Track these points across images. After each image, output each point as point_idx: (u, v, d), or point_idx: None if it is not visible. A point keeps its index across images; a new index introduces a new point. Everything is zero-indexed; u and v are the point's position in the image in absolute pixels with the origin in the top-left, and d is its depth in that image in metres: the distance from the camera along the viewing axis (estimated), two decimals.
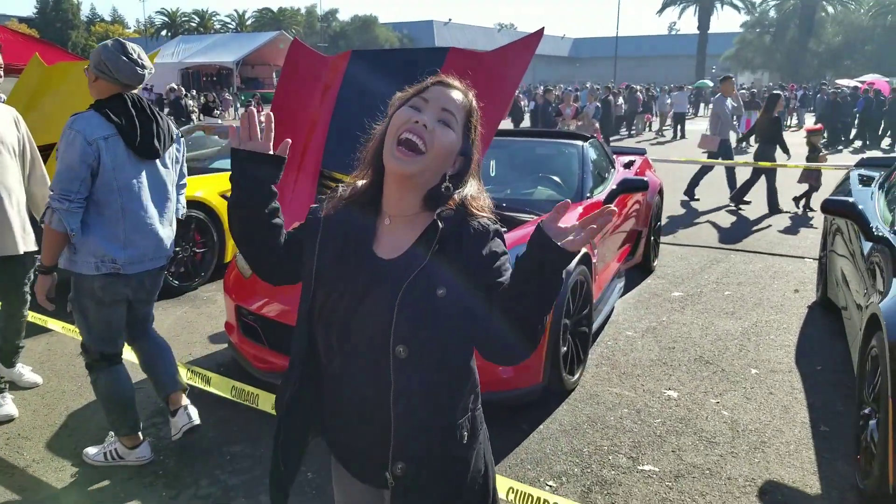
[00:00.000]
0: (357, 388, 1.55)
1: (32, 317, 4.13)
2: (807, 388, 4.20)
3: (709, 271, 6.77)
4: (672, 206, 10.16)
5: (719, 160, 10.42)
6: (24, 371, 4.19)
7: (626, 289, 6.03)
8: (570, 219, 4.62)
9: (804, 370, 4.45)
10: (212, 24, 74.18)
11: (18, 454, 3.42)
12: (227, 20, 77.02)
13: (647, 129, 25.83)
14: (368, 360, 1.52)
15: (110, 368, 3.19)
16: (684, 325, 5.26)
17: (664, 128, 24.08)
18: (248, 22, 74.14)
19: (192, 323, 5.32)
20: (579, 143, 5.66)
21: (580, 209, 4.81)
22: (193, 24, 73.19)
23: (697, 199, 10.77)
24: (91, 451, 3.36)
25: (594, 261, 4.48)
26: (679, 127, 22.73)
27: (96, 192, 2.93)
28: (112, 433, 3.33)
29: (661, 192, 6.94)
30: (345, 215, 1.59)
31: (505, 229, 4.54)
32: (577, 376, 4.14)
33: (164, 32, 71.09)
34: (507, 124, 20.23)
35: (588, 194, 5.12)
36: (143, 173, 3.06)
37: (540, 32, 3.86)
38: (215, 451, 3.44)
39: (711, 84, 41.38)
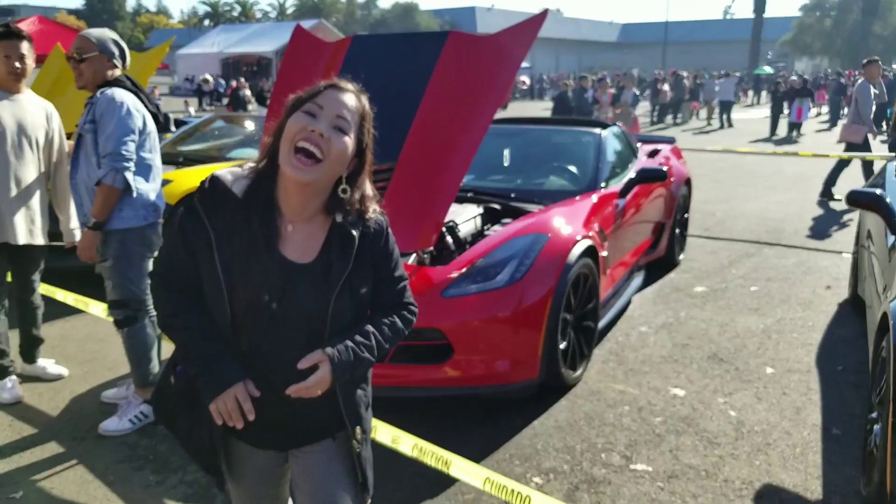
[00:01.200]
0: (284, 372, 1.59)
1: (75, 300, 4.28)
2: (824, 388, 4.02)
3: (737, 266, 6.55)
4: (706, 198, 9.88)
5: (855, 153, 9.44)
6: (48, 364, 4.18)
7: (647, 282, 5.87)
8: (583, 208, 4.51)
9: (824, 370, 4.26)
10: (253, 13, 75.12)
11: (19, 436, 3.48)
12: (269, 9, 77.88)
13: (695, 117, 25.24)
14: (297, 351, 1.59)
15: (148, 318, 3.52)
16: (703, 321, 5.09)
17: (712, 118, 23.49)
18: (289, 11, 74.79)
19: None
20: (597, 131, 5.51)
21: (594, 198, 4.68)
22: (235, 14, 74.18)
23: (838, 199, 9.58)
24: (111, 424, 3.51)
25: (603, 254, 4.36)
26: (725, 116, 22.11)
27: (140, 152, 3.34)
28: (125, 399, 3.67)
29: (688, 183, 6.73)
30: (240, 216, 1.58)
31: (509, 220, 4.38)
32: (579, 372, 4.03)
33: (206, 22, 72.26)
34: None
35: (602, 184, 4.98)
36: (156, 139, 3.54)
37: (543, 15, 3.75)
38: None
39: (772, 71, 40.18)
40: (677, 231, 6.45)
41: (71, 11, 66.61)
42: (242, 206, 1.57)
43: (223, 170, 1.63)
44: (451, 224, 4.15)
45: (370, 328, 1.64)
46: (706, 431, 3.52)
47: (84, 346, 4.62)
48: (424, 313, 3.57)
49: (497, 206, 4.59)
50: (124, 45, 3.49)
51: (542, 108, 28.56)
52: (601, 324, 4.48)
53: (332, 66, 4.18)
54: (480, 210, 4.51)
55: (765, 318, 5.16)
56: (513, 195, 4.75)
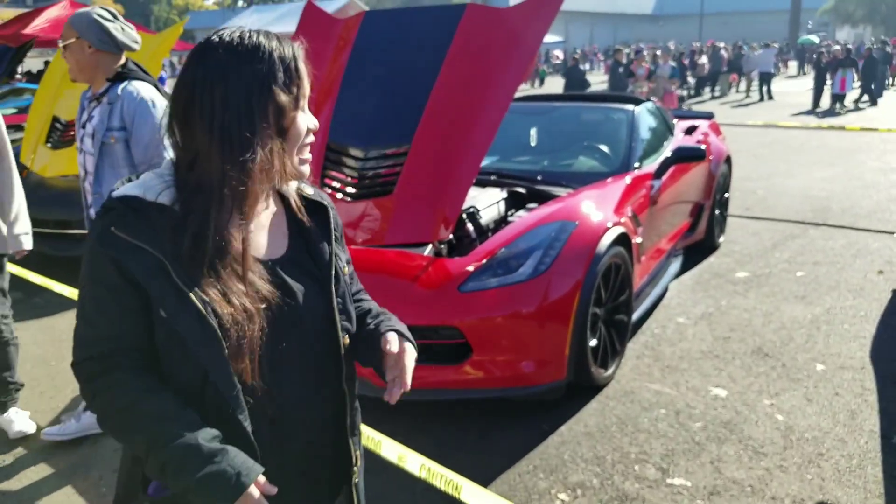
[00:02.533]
0: (302, 402, 1.33)
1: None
2: (881, 388, 3.65)
3: (781, 249, 6.14)
4: (746, 174, 9.40)
5: None
6: (17, 418, 3.37)
7: (684, 268, 5.51)
8: (615, 191, 4.17)
9: (881, 368, 3.89)
10: None
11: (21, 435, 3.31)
12: None
13: (735, 90, 24.41)
14: (311, 360, 1.34)
15: None
16: (745, 310, 4.73)
17: (751, 90, 22.69)
18: None
19: None
20: (630, 107, 5.14)
21: (628, 180, 4.34)
22: None
23: None
24: (53, 428, 3.30)
25: (636, 240, 4.02)
26: (765, 88, 21.31)
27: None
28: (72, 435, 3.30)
29: (728, 161, 6.32)
30: (161, 228, 1.19)
31: (535, 205, 4.00)
32: (611, 370, 3.72)
33: (240, 3, 72.17)
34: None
35: (636, 164, 4.63)
36: None
37: None
38: None
39: (817, 40, 38.76)
40: (717, 212, 6.06)
41: None
42: (166, 215, 1.20)
43: (129, 185, 1.24)
44: (471, 210, 3.85)
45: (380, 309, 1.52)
46: (751, 439, 3.19)
47: None
48: (440, 309, 3.33)
49: (522, 190, 4.27)
50: (113, 27, 2.86)
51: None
52: (635, 316, 4.15)
53: (344, 44, 3.89)
54: (504, 194, 4.20)
55: (812, 306, 4.78)
56: (539, 178, 4.43)
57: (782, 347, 4.14)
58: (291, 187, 1.37)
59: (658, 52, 16.07)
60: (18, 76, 7.57)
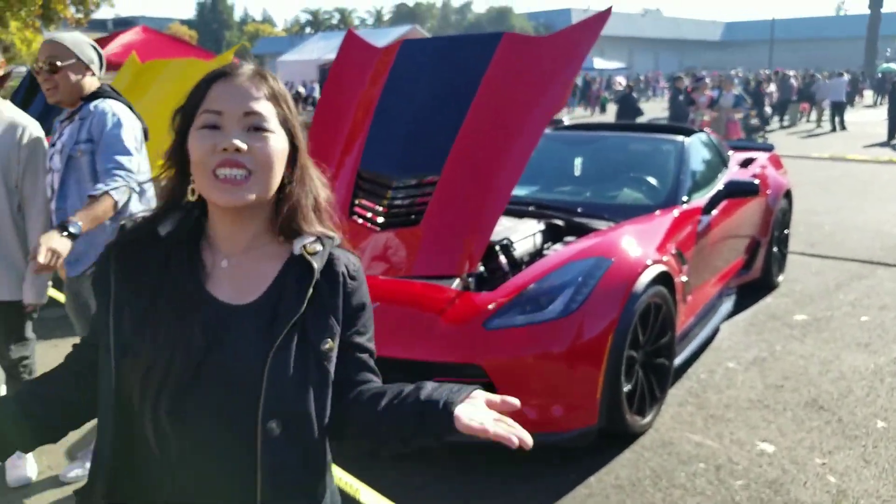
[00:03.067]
0: (205, 478, 1.17)
1: None
2: None
3: (846, 290, 5.76)
4: (813, 208, 8.96)
5: None
6: (21, 463, 3.15)
7: (738, 308, 5.20)
8: (658, 226, 3.96)
9: None
10: (351, 20, 76.68)
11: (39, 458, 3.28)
12: (366, 16, 79.51)
13: (805, 119, 23.60)
14: (221, 440, 1.17)
15: None
16: (802, 357, 4.41)
17: (822, 120, 21.90)
18: (386, 17, 75.98)
19: None
20: (680, 138, 4.91)
21: (674, 215, 4.12)
22: (334, 21, 76.00)
23: None
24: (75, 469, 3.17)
25: (681, 279, 3.79)
26: (837, 118, 20.52)
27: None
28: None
29: (788, 196, 5.99)
30: (159, 258, 1.21)
31: (572, 238, 3.80)
32: (648, 418, 3.49)
33: (307, 29, 74.22)
34: None
35: (684, 198, 4.39)
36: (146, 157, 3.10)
37: (607, 13, 3.26)
38: None
39: None
40: (775, 249, 5.74)
41: (184, 21, 69.97)
42: (164, 245, 1.21)
43: (143, 211, 1.31)
44: (504, 242, 3.69)
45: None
46: (797, 502, 2.92)
47: None
48: (464, 346, 3.16)
49: (560, 223, 4.09)
50: (100, 50, 2.95)
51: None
52: (678, 360, 3.91)
53: (380, 73, 3.82)
54: (541, 226, 4.02)
55: (876, 355, 4.42)
56: (579, 209, 4.24)
57: (840, 400, 3.83)
58: (303, 238, 1.23)
59: (721, 80, 15.63)
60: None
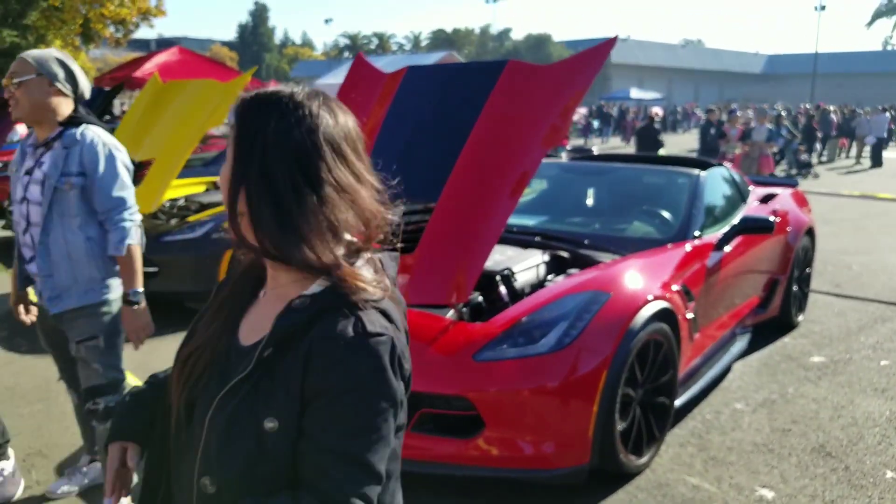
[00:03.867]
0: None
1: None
2: None
3: (868, 332, 5.58)
4: (843, 247, 8.74)
5: None
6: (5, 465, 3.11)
7: (753, 347, 5.06)
8: (665, 261, 3.89)
9: None
10: (389, 45, 77.68)
11: (28, 474, 3.30)
12: (404, 41, 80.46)
13: (844, 155, 23.17)
14: (180, 489, 1.17)
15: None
16: (814, 400, 4.27)
17: (861, 156, 21.49)
18: (423, 43, 76.81)
19: None
20: (696, 172, 4.83)
21: (683, 250, 4.04)
22: (372, 46, 77.09)
23: None
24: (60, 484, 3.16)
25: (686, 315, 3.70)
26: (875, 155, 20.11)
27: None
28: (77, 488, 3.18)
29: (810, 233, 5.85)
30: (227, 280, 1.26)
31: (575, 271, 3.74)
32: (645, 458, 3.39)
33: (345, 54, 75.35)
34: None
35: (696, 233, 4.31)
36: None
37: (611, 42, 3.24)
38: None
39: None
40: (795, 288, 5.59)
41: (225, 43, 71.67)
42: (239, 270, 1.24)
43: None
44: (505, 272, 3.66)
45: None
46: None
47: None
48: (453, 378, 3.11)
49: (565, 254, 4.04)
50: (75, 67, 2.76)
51: (672, 141, 27.27)
52: (681, 400, 3.81)
53: (386, 98, 3.84)
54: (546, 257, 3.98)
55: (893, 402, 4.26)
56: (586, 241, 4.19)
57: (849, 447, 3.69)
58: (312, 287, 1.10)
59: (751, 113, 15.44)
60: (108, 117, 7.99)
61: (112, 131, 7.92)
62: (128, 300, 2.76)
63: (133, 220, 2.75)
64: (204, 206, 5.99)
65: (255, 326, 1.15)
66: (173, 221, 5.74)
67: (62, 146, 2.68)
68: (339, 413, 1.02)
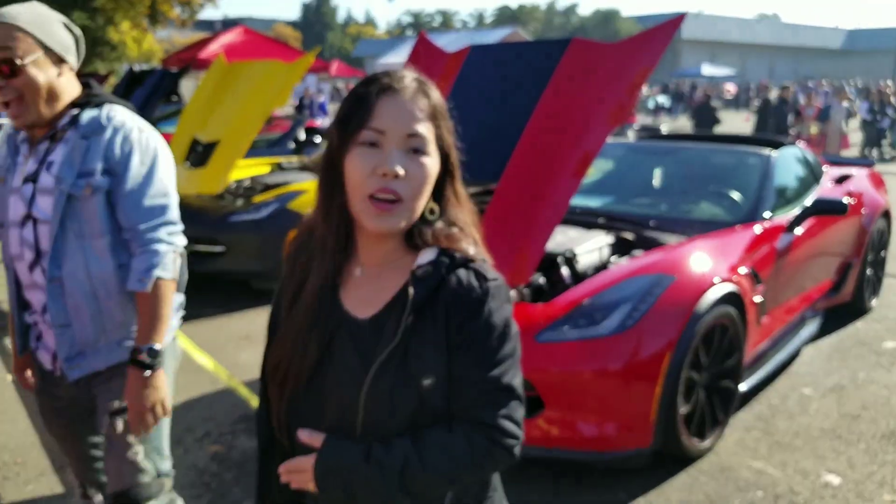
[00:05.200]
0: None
1: None
2: None
3: None
4: None
5: None
6: None
7: (824, 332, 4.93)
8: (732, 243, 3.81)
9: None
10: (453, 23, 77.40)
11: None
12: (468, 18, 79.97)
13: None
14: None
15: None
16: (885, 387, 4.15)
17: None
18: (488, 20, 76.24)
19: None
20: (767, 152, 4.71)
21: (751, 231, 3.96)
22: (436, 24, 76.92)
23: None
24: None
25: (754, 298, 3.64)
26: None
27: None
28: None
29: (887, 216, 5.63)
30: (307, 255, 1.27)
31: (640, 252, 3.74)
32: (708, 442, 3.37)
33: (408, 32, 75.41)
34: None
35: (767, 214, 4.20)
36: None
37: (679, 19, 3.18)
38: None
39: None
40: (869, 271, 5.41)
41: (288, 23, 72.70)
42: (317, 245, 1.25)
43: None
44: (567, 254, 3.66)
45: (405, 443, 1.15)
46: None
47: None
48: None
49: (629, 236, 4.01)
50: (77, 30, 1.94)
51: (742, 118, 26.43)
52: (748, 384, 3.76)
53: (448, 78, 3.86)
54: (610, 239, 3.95)
55: None
56: (651, 223, 4.14)
57: None
58: (425, 255, 1.20)
59: (827, 91, 14.82)
60: (175, 97, 8.25)
61: (179, 112, 8.22)
62: (138, 361, 1.87)
63: (171, 244, 1.93)
64: (269, 187, 6.14)
65: (368, 300, 1.22)
66: (239, 202, 5.91)
67: (80, 135, 1.87)
68: (483, 351, 1.16)
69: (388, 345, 1.16)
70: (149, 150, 1.92)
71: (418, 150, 1.16)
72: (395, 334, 1.16)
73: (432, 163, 1.18)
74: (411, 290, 1.17)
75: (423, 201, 1.19)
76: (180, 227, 1.98)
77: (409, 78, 1.19)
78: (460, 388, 1.17)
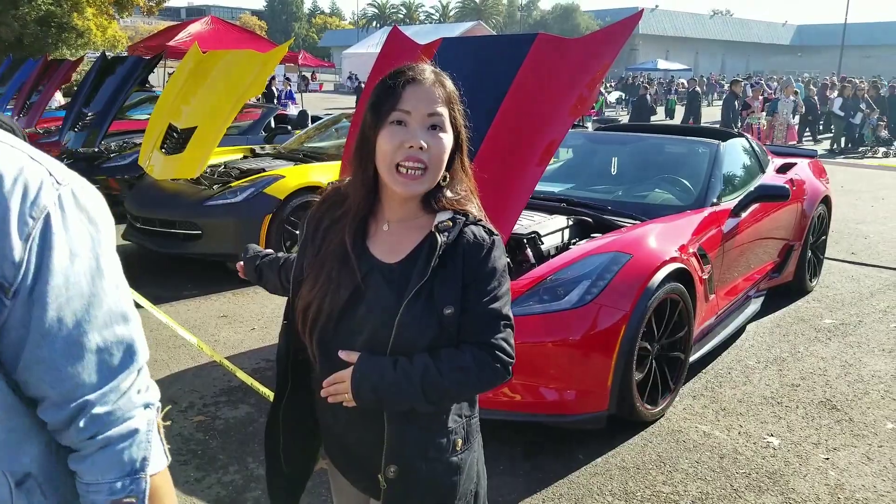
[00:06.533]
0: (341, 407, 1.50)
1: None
2: None
3: (879, 297, 5.78)
4: (861, 217, 8.88)
5: None
6: None
7: (768, 310, 5.29)
8: (683, 226, 4.11)
9: None
10: (417, 15, 77.34)
11: None
12: (432, 11, 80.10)
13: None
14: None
15: None
16: (822, 359, 4.51)
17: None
18: (451, 13, 76.37)
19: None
20: (716, 142, 5.03)
21: (700, 216, 4.26)
22: (401, 16, 76.78)
23: None
24: None
25: (702, 276, 3.94)
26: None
27: None
28: None
29: (826, 202, 6.02)
30: (337, 214, 1.53)
31: (598, 235, 4.05)
32: (659, 407, 3.66)
33: (374, 23, 75.16)
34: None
35: (714, 200, 4.52)
36: None
37: (637, 16, 3.44)
38: (259, 437, 3.45)
39: None
40: (810, 254, 5.79)
41: (254, 12, 71.78)
42: (351, 205, 1.51)
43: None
44: (532, 235, 3.90)
45: (425, 357, 1.42)
46: (794, 492, 3.06)
47: (162, 330, 4.79)
48: None
49: (589, 220, 4.28)
50: None
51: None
52: (696, 355, 4.06)
53: None
54: (570, 222, 4.22)
55: None
56: (609, 207, 4.42)
57: (854, 401, 3.93)
58: (443, 214, 1.46)
59: (776, 84, 15.47)
60: (148, 85, 8.28)
61: (150, 100, 8.19)
62: None
63: (142, 407, 1.06)
64: (244, 172, 6.28)
65: (393, 249, 1.49)
66: (216, 187, 6.03)
67: None
68: (489, 288, 1.45)
69: (421, 279, 1.41)
70: (77, 235, 0.94)
71: (437, 127, 1.42)
72: (426, 272, 1.42)
73: (448, 138, 1.44)
74: (441, 238, 1.43)
75: (441, 171, 1.45)
76: (146, 375, 1.08)
77: (429, 71, 1.45)
78: (469, 317, 1.44)
